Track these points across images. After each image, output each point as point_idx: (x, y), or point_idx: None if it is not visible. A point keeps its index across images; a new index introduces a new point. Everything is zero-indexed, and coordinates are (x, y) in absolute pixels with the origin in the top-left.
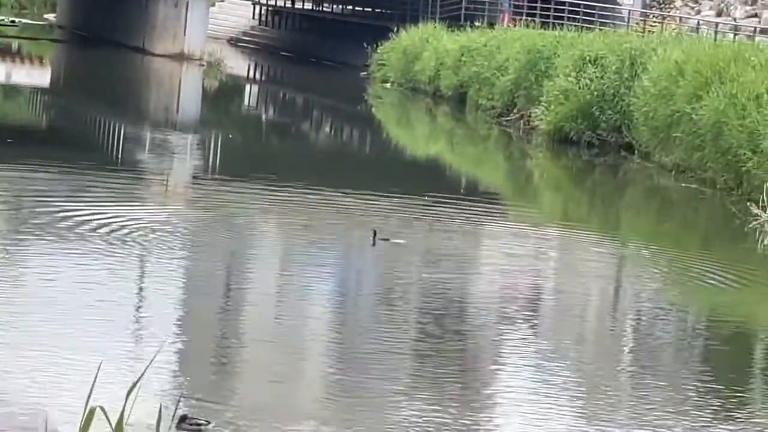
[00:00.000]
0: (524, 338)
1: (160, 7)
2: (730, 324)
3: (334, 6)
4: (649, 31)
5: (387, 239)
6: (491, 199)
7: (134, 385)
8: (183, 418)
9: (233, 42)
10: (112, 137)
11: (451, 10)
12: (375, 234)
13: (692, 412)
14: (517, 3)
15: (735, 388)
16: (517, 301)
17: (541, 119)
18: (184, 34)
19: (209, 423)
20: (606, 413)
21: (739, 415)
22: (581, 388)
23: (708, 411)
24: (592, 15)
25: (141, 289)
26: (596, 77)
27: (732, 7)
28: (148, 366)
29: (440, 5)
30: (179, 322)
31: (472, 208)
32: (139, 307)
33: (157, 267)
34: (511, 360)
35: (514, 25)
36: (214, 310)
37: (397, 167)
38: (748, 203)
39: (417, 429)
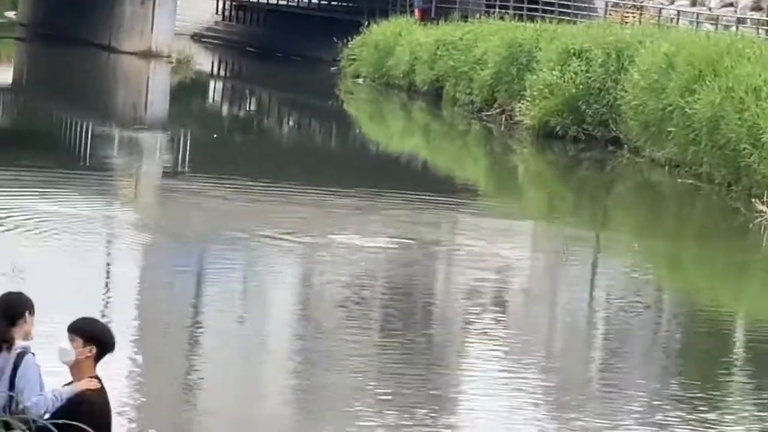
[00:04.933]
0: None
1: (126, 3)
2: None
3: (301, 0)
4: (625, 22)
5: None
6: (471, 195)
7: None
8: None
9: (197, 38)
10: (78, 136)
11: (422, 3)
12: None
13: None
14: None
15: None
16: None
17: (525, 114)
18: (152, 31)
19: None
20: None
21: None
22: None
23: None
24: (568, 7)
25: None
26: (581, 71)
27: None
28: None
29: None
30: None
31: (450, 204)
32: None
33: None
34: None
35: (423, 22)
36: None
37: (370, 164)
38: (752, 199)
39: None
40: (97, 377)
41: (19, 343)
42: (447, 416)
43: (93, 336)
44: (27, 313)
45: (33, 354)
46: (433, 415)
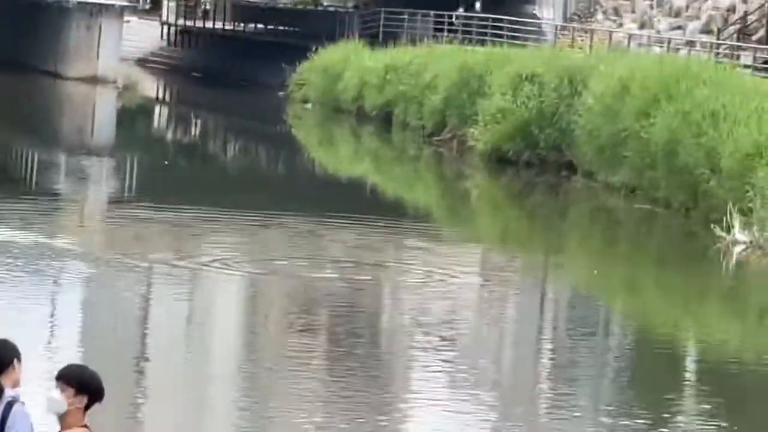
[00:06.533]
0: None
1: (72, 28)
2: None
3: (247, 25)
4: (573, 45)
5: None
6: (422, 220)
7: None
8: None
9: (141, 62)
10: (23, 163)
11: (369, 28)
12: None
13: None
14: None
15: None
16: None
17: (477, 139)
18: (98, 57)
19: None
20: None
21: None
22: None
23: None
24: (517, 30)
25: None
26: (534, 95)
27: (655, 20)
28: None
29: (358, 24)
30: None
31: (399, 229)
32: None
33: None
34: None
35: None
36: None
37: (318, 189)
38: (712, 225)
39: None
40: (87, 426)
41: (8, 393)
42: None
43: (86, 385)
44: (15, 360)
45: (23, 403)
46: None
